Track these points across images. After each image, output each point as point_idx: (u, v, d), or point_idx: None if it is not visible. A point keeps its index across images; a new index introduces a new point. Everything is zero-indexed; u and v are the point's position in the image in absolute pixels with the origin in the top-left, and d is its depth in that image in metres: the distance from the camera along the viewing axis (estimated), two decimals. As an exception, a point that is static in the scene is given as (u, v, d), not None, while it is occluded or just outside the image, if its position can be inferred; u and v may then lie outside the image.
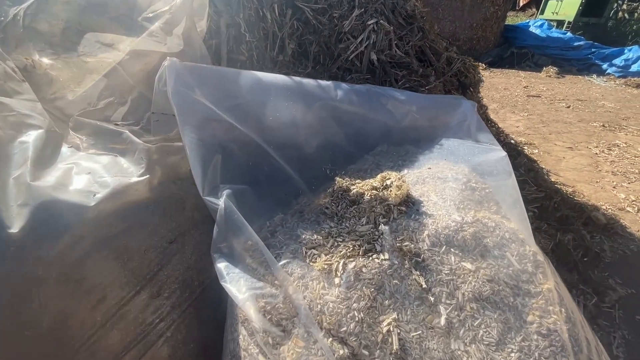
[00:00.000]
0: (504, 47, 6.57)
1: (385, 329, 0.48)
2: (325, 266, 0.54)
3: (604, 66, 5.67)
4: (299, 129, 0.85)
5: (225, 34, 1.12)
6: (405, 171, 0.81)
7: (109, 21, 0.82)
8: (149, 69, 0.82)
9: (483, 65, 5.91)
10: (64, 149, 0.63)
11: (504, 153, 0.77)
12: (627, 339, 1.12)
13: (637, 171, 2.29)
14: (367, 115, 0.94)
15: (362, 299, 0.51)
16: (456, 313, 0.51)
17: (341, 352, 0.46)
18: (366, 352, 0.46)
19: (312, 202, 0.73)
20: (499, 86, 4.83)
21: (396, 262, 0.55)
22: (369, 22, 1.33)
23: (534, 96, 4.39)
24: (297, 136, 0.85)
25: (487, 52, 6.46)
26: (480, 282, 0.53)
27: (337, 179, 0.74)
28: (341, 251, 0.57)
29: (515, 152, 2.01)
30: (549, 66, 5.73)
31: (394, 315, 0.50)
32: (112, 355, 0.50)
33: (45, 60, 0.79)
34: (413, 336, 0.48)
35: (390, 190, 0.67)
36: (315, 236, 0.61)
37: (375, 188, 0.69)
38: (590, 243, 1.52)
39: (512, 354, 0.47)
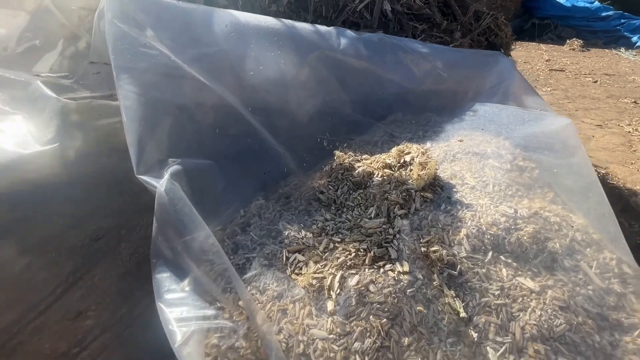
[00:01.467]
0: (525, 18, 6.14)
1: (403, 387, 0.30)
2: (315, 281, 0.36)
3: (634, 39, 5.27)
4: (289, 89, 0.65)
5: (201, -30, 0.89)
6: (429, 144, 0.60)
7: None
8: (90, 5, 0.61)
9: (501, 37, 5.52)
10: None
11: (569, 120, 0.57)
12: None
13: (677, 152, 2.05)
14: (378, 73, 0.72)
15: (368, 334, 0.33)
16: (512, 358, 0.33)
17: None
18: None
19: (304, 184, 0.54)
20: (519, 59, 4.49)
21: (420, 276, 0.36)
22: (382, -37, 1.08)
23: (557, 70, 4.07)
24: (285, 98, 0.64)
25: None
26: (549, 311, 0.34)
27: (337, 152, 0.54)
28: (339, 257, 0.38)
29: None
30: (573, 39, 5.32)
31: (418, 363, 0.32)
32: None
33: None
34: (447, 398, 0.31)
35: (411, 170, 0.47)
36: (302, 233, 0.43)
37: (389, 166, 0.49)
38: (628, 232, 1.33)
39: None
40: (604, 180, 1.74)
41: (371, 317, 0.34)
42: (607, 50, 5.16)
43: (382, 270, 0.37)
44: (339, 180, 0.51)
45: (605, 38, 5.48)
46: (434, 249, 0.38)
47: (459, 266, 0.38)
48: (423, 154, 0.49)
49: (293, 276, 0.37)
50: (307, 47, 0.66)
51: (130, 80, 0.49)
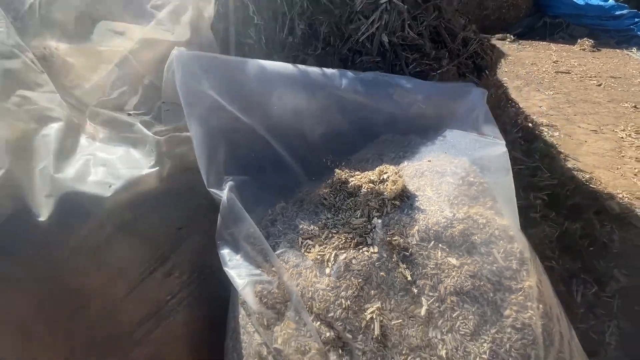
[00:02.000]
0: (536, 17, 6.09)
1: (369, 316, 0.53)
2: (319, 257, 0.59)
3: (647, 39, 5.20)
4: (302, 118, 0.87)
5: (234, 17, 1.12)
6: (406, 163, 0.82)
7: (120, 9, 0.85)
8: (158, 57, 0.85)
9: (511, 37, 5.51)
10: (82, 139, 0.68)
11: (504, 149, 0.78)
12: (621, 328, 1.15)
13: (663, 158, 2.19)
14: (372, 104, 0.94)
15: (349, 288, 0.55)
16: (437, 305, 0.55)
17: (327, 334, 0.51)
18: (350, 336, 0.52)
19: (313, 192, 0.77)
20: (526, 61, 4.54)
21: (385, 255, 0.59)
22: (382, 1, 1.28)
23: (564, 72, 4.12)
24: (300, 125, 0.87)
25: (517, 22, 6.02)
26: (462, 278, 0.56)
27: (337, 170, 0.77)
28: (334, 243, 0.61)
29: (532, 136, 1.95)
30: (584, 38, 5.27)
31: (378, 304, 0.54)
32: (129, 327, 0.58)
33: (62, 48, 0.83)
34: (394, 324, 0.53)
35: (386, 185, 0.70)
36: (311, 227, 0.66)
37: (372, 181, 0.71)
38: (599, 232, 1.51)
39: (485, 344, 0.51)
40: (586, 184, 1.90)
41: (352, 278, 0.56)
42: (618, 50, 5.12)
43: (361, 251, 0.60)
44: (338, 191, 0.74)
45: (618, 37, 5.41)
46: (395, 238, 0.61)
47: (410, 250, 0.60)
48: (396, 173, 0.71)
49: (305, 253, 0.61)
50: (316, 86, 0.88)
51: (196, 119, 0.72)
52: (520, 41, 5.57)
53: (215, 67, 0.83)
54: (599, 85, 3.72)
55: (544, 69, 4.27)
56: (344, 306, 0.53)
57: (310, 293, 0.55)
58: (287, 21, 1.28)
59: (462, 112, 1.01)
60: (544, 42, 5.58)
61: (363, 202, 0.68)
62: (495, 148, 0.80)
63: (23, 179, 0.53)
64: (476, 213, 0.67)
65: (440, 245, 0.61)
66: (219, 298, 0.63)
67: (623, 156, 2.25)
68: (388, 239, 0.61)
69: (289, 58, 1.30)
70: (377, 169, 0.76)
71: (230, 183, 0.65)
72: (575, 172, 1.97)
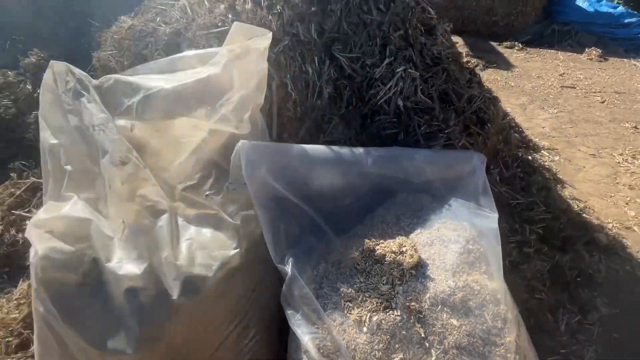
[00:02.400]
0: (545, 24, 6.11)
1: (395, 364, 0.77)
2: (357, 317, 0.83)
3: (655, 48, 5.21)
4: (335, 191, 1.11)
5: (276, 95, 1.35)
6: (419, 230, 1.05)
7: (195, 109, 1.08)
8: (226, 145, 1.09)
9: (519, 45, 5.59)
10: (180, 221, 0.93)
11: (496, 225, 1.00)
12: (599, 353, 1.37)
13: (655, 186, 2.36)
14: (390, 174, 1.17)
15: (380, 342, 0.79)
16: (442, 355, 0.78)
17: (366, 377, 0.76)
18: (382, 378, 0.76)
19: (346, 254, 1.01)
20: (533, 73, 4.65)
21: (405, 317, 0.82)
22: (398, 70, 1.50)
23: (569, 87, 4.23)
24: (333, 196, 1.10)
25: (526, 28, 6.07)
26: (461, 335, 0.80)
27: (366, 240, 1.00)
28: (368, 306, 0.85)
29: (531, 170, 2.14)
30: (592, 47, 5.31)
31: (401, 355, 0.78)
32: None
33: (153, 140, 1.07)
34: (412, 369, 0.77)
35: (405, 256, 0.93)
36: (349, 290, 0.90)
37: (394, 252, 0.95)
38: (587, 263, 1.72)
39: None
40: (579, 214, 2.09)
41: (382, 335, 0.80)
42: (625, 60, 5.14)
43: (388, 313, 0.83)
44: (367, 257, 0.97)
45: (627, 45, 5.44)
46: (412, 304, 0.84)
47: (423, 313, 0.83)
48: (412, 247, 0.94)
49: (347, 314, 0.84)
50: (348, 165, 1.11)
51: (260, 203, 0.96)
52: (528, 49, 5.64)
53: (269, 154, 1.07)
54: (603, 102, 3.84)
55: (549, 83, 4.38)
56: (377, 357, 0.77)
57: (353, 346, 0.79)
58: (317, 88, 1.50)
59: (465, 174, 1.23)
60: (551, 50, 5.62)
61: (387, 270, 0.92)
62: (489, 220, 1.03)
63: (158, 268, 0.77)
64: (473, 280, 0.90)
65: (445, 309, 0.84)
66: (279, 342, 0.88)
67: (617, 183, 2.43)
68: (407, 304, 0.84)
69: (318, 118, 1.53)
70: (397, 240, 0.99)
71: (291, 260, 0.89)
72: (570, 201, 2.17)
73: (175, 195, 1.03)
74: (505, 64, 5.04)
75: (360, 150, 1.17)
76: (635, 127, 3.28)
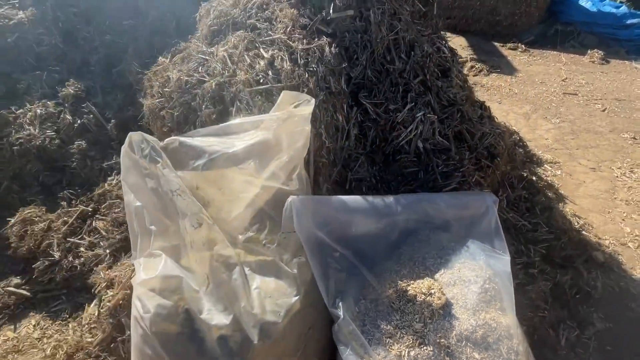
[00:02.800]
0: (549, 23, 6.16)
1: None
2: (398, 352, 1.03)
3: (657, 51, 5.27)
4: (370, 237, 1.30)
5: (313, 144, 1.52)
6: (442, 270, 1.25)
7: (250, 168, 1.26)
8: (276, 199, 1.27)
9: (522, 47, 5.66)
10: (246, 271, 1.12)
11: (509, 268, 1.19)
12: (594, 364, 1.58)
13: (650, 200, 2.54)
14: (416, 217, 1.36)
15: (418, 373, 0.99)
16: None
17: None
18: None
19: (382, 293, 1.20)
20: (536, 78, 4.76)
21: (436, 352, 1.02)
22: (418, 115, 1.67)
23: (571, 94, 4.35)
24: (368, 240, 1.29)
25: (530, 28, 6.12)
26: (470, 356, 1.00)
27: (399, 281, 1.19)
28: (405, 342, 1.04)
29: (534, 190, 2.32)
30: (595, 49, 5.37)
31: (435, 383, 0.98)
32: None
33: (215, 196, 1.25)
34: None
35: (433, 298, 1.12)
36: (388, 327, 1.09)
37: (424, 293, 1.14)
38: (585, 280, 1.92)
39: None
40: (579, 231, 2.28)
41: (419, 367, 1.00)
42: (627, 62, 5.22)
43: (422, 348, 1.03)
44: (401, 297, 1.17)
45: (628, 47, 5.50)
46: (442, 340, 1.04)
47: (451, 348, 1.03)
48: (440, 290, 1.13)
49: (389, 349, 1.04)
50: (380, 214, 1.30)
51: (311, 253, 1.14)
52: (532, 51, 5.72)
53: (314, 207, 1.25)
54: (604, 110, 3.97)
55: (552, 90, 4.50)
56: (415, 385, 0.97)
57: (396, 376, 0.99)
58: (345, 131, 1.67)
59: (479, 215, 1.42)
60: (554, 52, 5.68)
61: (419, 310, 1.11)
62: (503, 263, 1.22)
63: (239, 317, 0.97)
64: (490, 318, 1.10)
65: (469, 344, 1.04)
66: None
67: (615, 198, 2.61)
68: (437, 340, 1.04)
69: (345, 157, 1.70)
70: (425, 282, 1.18)
71: (341, 303, 1.09)
72: (571, 219, 2.35)
73: (237, 245, 1.22)
74: (508, 68, 5.13)
75: (390, 198, 1.35)
76: (634, 138, 3.42)
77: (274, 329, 0.98)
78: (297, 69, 1.49)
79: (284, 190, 1.26)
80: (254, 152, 1.25)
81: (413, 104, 1.66)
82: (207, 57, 1.71)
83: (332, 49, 1.55)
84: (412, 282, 1.20)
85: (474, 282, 1.19)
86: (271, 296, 1.05)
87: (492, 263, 1.24)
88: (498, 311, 1.13)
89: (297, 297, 1.07)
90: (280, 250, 1.20)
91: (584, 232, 2.27)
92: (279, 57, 1.53)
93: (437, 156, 1.66)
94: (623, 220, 2.39)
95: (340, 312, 1.07)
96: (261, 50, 1.57)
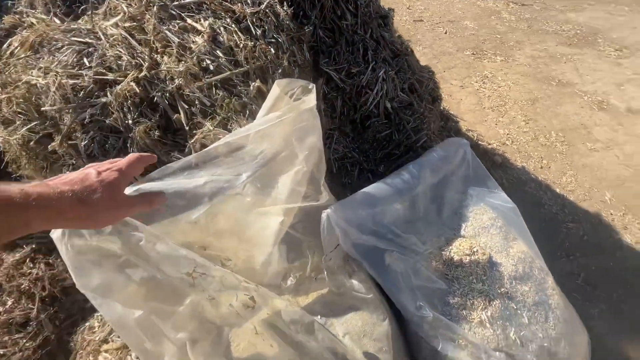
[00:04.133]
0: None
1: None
2: (478, 319, 1.08)
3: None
4: (396, 217, 1.23)
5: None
6: (464, 226, 1.32)
7: (264, 198, 0.93)
8: (305, 220, 1.02)
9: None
10: (321, 322, 0.90)
11: (509, 202, 1.36)
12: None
13: (504, 104, 3.30)
14: (426, 186, 1.35)
15: (499, 327, 1.08)
16: (529, 313, 1.14)
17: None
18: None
19: (432, 269, 1.20)
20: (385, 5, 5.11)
21: (503, 301, 1.13)
22: (380, 74, 1.56)
23: (418, 21, 4.91)
24: (402, 226, 1.23)
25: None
26: (533, 294, 1.17)
27: (439, 252, 1.21)
28: (478, 306, 1.11)
29: (444, 118, 2.65)
30: None
31: (513, 329, 1.10)
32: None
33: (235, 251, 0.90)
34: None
35: (478, 255, 1.20)
36: (456, 299, 1.12)
37: (468, 254, 1.20)
38: (506, 186, 2.42)
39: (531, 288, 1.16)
40: (477, 143, 2.78)
41: (498, 322, 1.09)
42: None
43: (492, 304, 1.12)
44: (449, 265, 1.19)
45: None
46: (501, 290, 1.14)
47: (508, 291, 1.15)
48: (478, 245, 1.21)
49: (469, 320, 1.09)
50: (401, 191, 1.23)
51: (367, 261, 1.00)
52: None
53: (348, 213, 1.07)
54: (445, 33, 4.66)
55: (403, 19, 4.94)
56: (502, 339, 1.07)
57: (487, 341, 1.06)
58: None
59: (460, 163, 1.52)
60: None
61: (472, 271, 1.17)
62: (502, 198, 1.38)
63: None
64: (517, 251, 1.26)
65: (517, 281, 1.18)
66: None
67: (484, 108, 3.26)
68: (499, 291, 1.14)
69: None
70: (463, 243, 1.23)
71: (421, 303, 1.03)
72: (467, 134, 2.84)
73: (283, 292, 0.95)
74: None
75: (404, 175, 1.29)
76: (473, 54, 4.20)
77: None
78: (256, 42, 1.10)
79: (311, 206, 1.01)
80: (267, 175, 0.92)
81: (374, 62, 1.52)
82: (87, 40, 1.06)
83: (286, 8, 1.19)
84: (450, 247, 1.24)
85: (491, 226, 1.31)
86: (364, 334, 0.89)
87: (494, 202, 1.38)
88: (517, 242, 1.30)
89: (386, 319, 0.95)
90: (333, 277, 1.01)
91: (480, 142, 2.79)
92: (222, 27, 1.08)
93: (404, 113, 1.63)
94: (496, 125, 3.04)
95: (428, 312, 1.02)
96: (189, 20, 1.07)
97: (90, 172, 0.59)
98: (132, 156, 0.68)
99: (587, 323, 1.72)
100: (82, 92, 0.99)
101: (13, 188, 0.48)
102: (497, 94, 3.45)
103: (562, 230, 2.21)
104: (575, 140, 2.90)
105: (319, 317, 0.92)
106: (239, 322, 0.82)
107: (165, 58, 1.05)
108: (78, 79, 1.01)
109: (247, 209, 0.90)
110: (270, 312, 0.80)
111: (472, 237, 1.28)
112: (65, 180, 0.56)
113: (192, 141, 1.00)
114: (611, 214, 2.32)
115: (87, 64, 1.04)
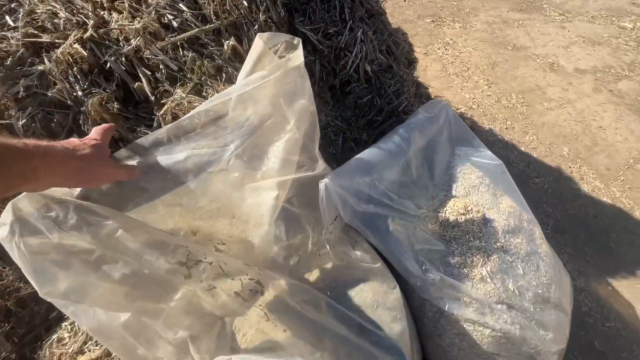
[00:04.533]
0: None
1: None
2: (479, 275, 1.09)
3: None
4: (393, 179, 1.18)
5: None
6: (454, 186, 1.31)
7: (254, 168, 0.81)
8: (301, 192, 0.93)
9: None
10: (329, 303, 0.84)
11: (495, 159, 1.37)
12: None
13: (466, 69, 3.36)
14: (416, 149, 1.31)
15: (499, 280, 1.10)
16: (523, 264, 1.17)
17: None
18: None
19: (429, 230, 1.18)
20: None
21: (500, 256, 1.14)
22: (358, 34, 1.47)
23: (377, -12, 4.78)
24: (393, 180, 1.18)
25: None
26: (524, 245, 1.20)
27: (435, 214, 1.19)
28: (477, 263, 1.11)
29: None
30: None
31: (511, 281, 1.12)
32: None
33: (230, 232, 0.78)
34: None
35: (473, 214, 1.20)
36: (455, 259, 1.12)
37: (463, 214, 1.20)
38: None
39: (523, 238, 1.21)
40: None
41: (497, 275, 1.11)
42: None
43: (490, 259, 1.13)
44: (446, 226, 1.18)
45: None
46: (497, 244, 1.16)
47: (503, 245, 1.17)
48: (471, 203, 1.21)
49: (471, 277, 1.09)
50: (396, 155, 1.17)
51: (369, 231, 0.95)
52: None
53: (345, 181, 1.00)
54: (404, 0, 4.63)
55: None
56: (502, 293, 1.09)
57: (489, 296, 1.07)
58: None
59: (443, 124, 1.51)
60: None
61: (468, 230, 1.17)
62: (487, 156, 1.39)
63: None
64: (506, 206, 1.28)
65: (510, 235, 1.20)
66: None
67: (449, 74, 3.31)
68: (495, 246, 1.15)
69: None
70: (457, 203, 1.22)
71: (427, 266, 1.00)
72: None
73: (287, 272, 0.87)
74: None
75: (395, 137, 1.23)
76: (433, 21, 4.22)
77: (405, 336, 0.83)
78: (226, -8, 0.94)
79: (307, 177, 0.92)
80: (256, 145, 0.81)
81: (351, 21, 1.42)
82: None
83: (254, -47, 1.03)
84: (444, 209, 1.22)
85: (480, 184, 1.32)
86: (378, 304, 0.85)
87: (481, 161, 1.38)
88: (505, 197, 1.32)
89: (396, 287, 0.91)
90: (336, 250, 0.94)
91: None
92: (183, -26, 0.90)
93: (384, 76, 1.56)
94: (462, 90, 3.10)
95: (435, 274, 1.00)
96: (140, -35, 0.88)
97: (72, 139, 0.61)
98: (98, 128, 0.66)
99: (561, 268, 1.85)
100: (10, 59, 0.79)
101: (11, 140, 0.50)
102: (459, 60, 3.50)
103: (529, 185, 2.34)
104: (533, 100, 3.04)
105: (328, 293, 0.85)
106: (243, 310, 0.74)
107: (115, 15, 0.86)
108: (2, 42, 0.80)
109: (238, 185, 0.79)
110: (279, 295, 0.72)
111: (463, 197, 1.27)
112: (51, 141, 0.57)
113: (162, 112, 0.85)
114: (569, 166, 2.49)
115: (10, 23, 0.82)
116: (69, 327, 1.01)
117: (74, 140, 0.60)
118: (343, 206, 0.95)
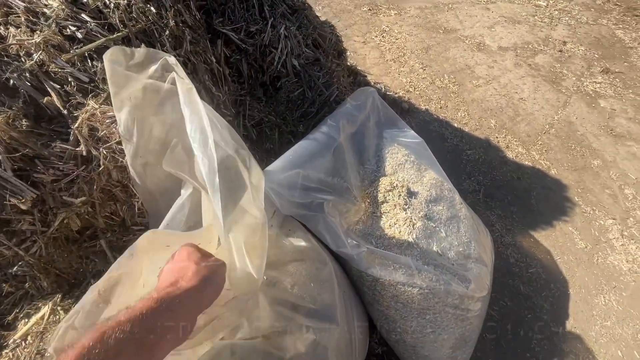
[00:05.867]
0: None
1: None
2: (407, 241, 1.22)
3: None
4: (326, 168, 1.27)
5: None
6: (381, 166, 1.44)
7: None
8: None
9: None
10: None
11: (417, 138, 1.51)
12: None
13: (403, 54, 3.54)
14: (347, 134, 1.41)
15: (425, 238, 1.24)
16: (444, 228, 1.33)
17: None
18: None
19: (363, 210, 1.30)
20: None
21: (424, 223, 1.29)
22: (281, 31, 1.53)
23: (314, -21, 4.83)
24: (327, 169, 1.27)
25: None
26: (445, 210, 1.35)
27: (364, 193, 1.31)
28: (405, 231, 1.24)
29: (353, 73, 2.75)
30: None
31: (436, 241, 1.27)
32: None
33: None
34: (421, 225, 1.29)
35: (398, 188, 1.33)
36: (386, 231, 1.24)
37: (389, 190, 1.32)
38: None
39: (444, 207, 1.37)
40: (385, 94, 2.97)
41: (423, 238, 1.25)
42: None
43: (415, 227, 1.27)
44: (375, 203, 1.31)
45: None
46: (421, 212, 1.30)
47: (428, 213, 1.32)
48: (397, 180, 1.34)
49: (400, 244, 1.22)
50: (326, 144, 1.26)
51: (304, 216, 1.04)
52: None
53: (276, 174, 1.07)
54: (340, -9, 4.69)
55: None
56: (430, 246, 1.23)
57: (416, 252, 1.21)
58: (221, 75, 1.37)
59: (371, 109, 1.63)
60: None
61: (396, 204, 1.30)
62: (410, 135, 1.53)
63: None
64: (430, 178, 1.43)
65: (432, 204, 1.35)
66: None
67: (387, 60, 3.47)
68: (419, 215, 1.29)
69: (236, 104, 1.43)
70: (383, 181, 1.35)
71: (351, 240, 1.11)
72: (377, 86, 3.01)
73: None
74: None
75: (324, 128, 1.32)
76: (370, 10, 4.36)
77: (334, 302, 0.93)
78: (131, 0, 0.95)
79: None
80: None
81: (272, 19, 1.47)
82: None
83: (159, -41, 1.04)
84: (373, 188, 1.34)
85: (405, 161, 1.46)
86: (310, 279, 0.94)
87: (405, 141, 1.52)
88: (428, 171, 1.47)
89: (328, 263, 1.01)
90: (273, 243, 1.02)
91: (387, 93, 2.99)
92: (84, -15, 0.90)
93: (312, 69, 1.64)
94: (399, 75, 3.28)
95: (363, 247, 1.11)
96: (35, -23, 0.86)
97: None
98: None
99: (490, 227, 2.08)
100: None
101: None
102: (395, 46, 3.68)
103: (463, 157, 2.56)
104: (463, 79, 3.30)
105: (265, 278, 0.93)
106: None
107: (12, 29, 0.85)
108: None
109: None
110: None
111: (391, 175, 1.40)
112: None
113: (76, 125, 0.86)
114: (496, 137, 2.76)
115: None
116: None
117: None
118: (279, 200, 1.02)
